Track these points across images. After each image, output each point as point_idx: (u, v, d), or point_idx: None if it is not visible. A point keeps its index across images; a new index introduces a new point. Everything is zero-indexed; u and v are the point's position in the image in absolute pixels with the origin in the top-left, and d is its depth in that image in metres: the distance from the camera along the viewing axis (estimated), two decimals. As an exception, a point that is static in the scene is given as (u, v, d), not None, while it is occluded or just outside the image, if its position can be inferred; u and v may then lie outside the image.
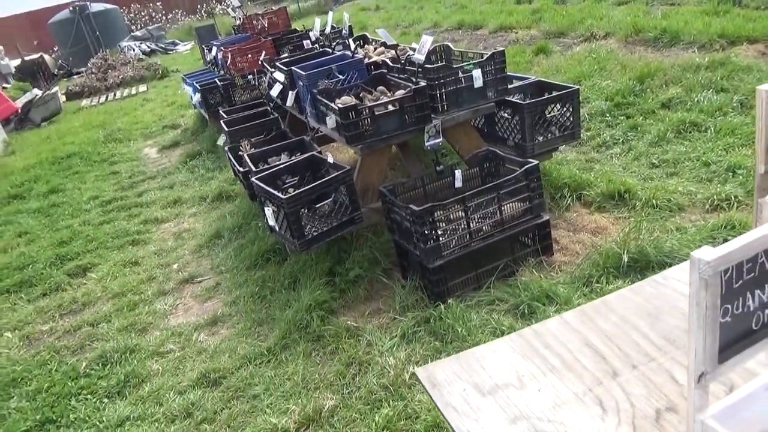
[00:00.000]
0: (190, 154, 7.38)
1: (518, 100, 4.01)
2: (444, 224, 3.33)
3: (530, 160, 3.40)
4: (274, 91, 4.84)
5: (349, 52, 4.78)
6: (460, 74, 3.68)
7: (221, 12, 18.78)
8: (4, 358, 3.84)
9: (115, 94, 13.18)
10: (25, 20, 21.43)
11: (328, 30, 5.84)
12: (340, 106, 3.63)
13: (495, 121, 4.18)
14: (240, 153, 4.48)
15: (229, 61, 6.58)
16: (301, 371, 3.04)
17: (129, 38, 19.04)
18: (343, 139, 3.71)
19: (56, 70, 17.01)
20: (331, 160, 3.78)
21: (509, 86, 4.00)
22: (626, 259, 3.12)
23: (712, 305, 0.98)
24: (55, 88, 12.89)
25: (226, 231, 4.91)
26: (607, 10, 8.19)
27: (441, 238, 3.19)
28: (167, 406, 3.06)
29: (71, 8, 18.53)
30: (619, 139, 4.78)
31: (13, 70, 16.04)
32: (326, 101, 3.83)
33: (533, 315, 2.98)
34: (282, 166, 3.97)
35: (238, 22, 8.82)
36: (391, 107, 3.62)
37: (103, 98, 13.01)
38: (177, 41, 19.51)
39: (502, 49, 3.83)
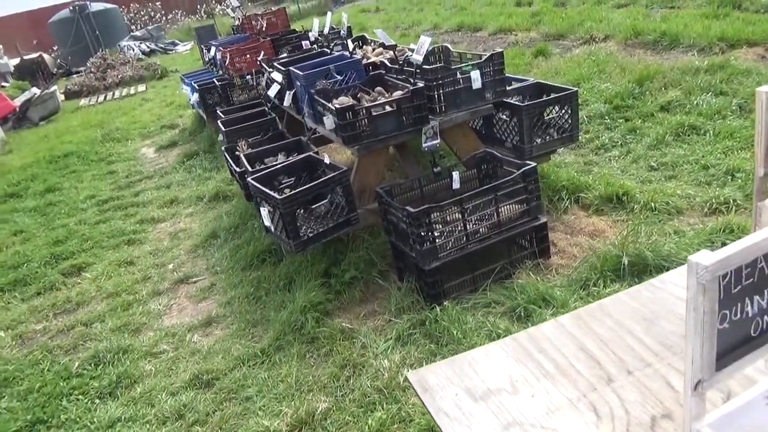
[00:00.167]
0: (188, 154, 7.35)
1: (517, 102, 3.99)
2: (441, 226, 3.31)
3: (528, 162, 3.38)
4: (272, 91, 4.82)
5: (347, 53, 4.76)
6: (459, 75, 3.65)
7: (221, 12, 18.76)
8: (-3, 357, 3.81)
9: (113, 94, 13.15)
10: (25, 19, 21.41)
11: (326, 31, 5.82)
12: (338, 106, 3.60)
13: (493, 123, 4.16)
14: (237, 153, 4.46)
15: (227, 61, 6.57)
16: (294, 373, 3.02)
17: (128, 38, 19.02)
18: (340, 139, 3.68)
19: (55, 70, 16.98)
20: (327, 160, 3.76)
21: (508, 88, 3.98)
22: (625, 262, 3.10)
23: (710, 311, 0.96)
24: (54, 87, 12.87)
25: (222, 231, 4.88)
26: (607, 13, 8.17)
27: (437, 240, 3.17)
28: (159, 408, 3.03)
29: (71, 7, 18.52)
30: (617, 142, 4.75)
31: (12, 69, 16.02)
32: (324, 101, 3.81)
33: (529, 318, 2.96)
34: (278, 166, 3.94)
35: (237, 22, 8.80)
36: (388, 108, 3.60)
37: (101, 98, 12.98)
38: (176, 41, 19.49)
39: (500, 50, 3.81)
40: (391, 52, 4.70)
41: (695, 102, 4.90)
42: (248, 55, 6.38)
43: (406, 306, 3.28)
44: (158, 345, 3.61)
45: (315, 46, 5.76)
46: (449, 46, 4.32)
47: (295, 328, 3.35)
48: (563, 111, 3.97)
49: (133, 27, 20.81)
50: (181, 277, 4.41)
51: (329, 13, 6.29)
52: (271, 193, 3.47)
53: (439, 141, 3.70)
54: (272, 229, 3.62)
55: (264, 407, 2.86)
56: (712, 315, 0.96)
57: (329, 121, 3.75)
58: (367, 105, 3.62)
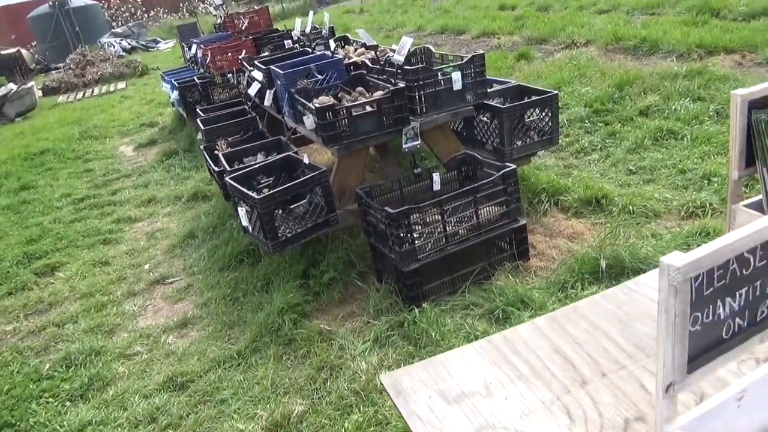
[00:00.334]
0: (167, 152, 7.25)
1: (498, 104, 3.99)
2: (420, 227, 3.29)
3: (508, 164, 3.37)
4: (252, 90, 4.76)
5: (328, 52, 4.73)
6: (440, 76, 3.64)
7: (203, 11, 18.62)
8: (-36, 359, 3.70)
9: (92, 91, 12.95)
10: (3, 14, 21.02)
11: (308, 30, 5.79)
12: (318, 105, 3.57)
13: (474, 125, 4.15)
14: (216, 152, 4.40)
15: (208, 59, 6.49)
16: (270, 375, 2.97)
17: (109, 35, 18.77)
18: (320, 139, 3.65)
19: (33, 65, 16.68)
20: (306, 160, 3.72)
21: (489, 90, 3.98)
22: (603, 265, 3.11)
23: (682, 313, 0.95)
24: (31, 83, 12.62)
25: (200, 231, 4.81)
26: (589, 18, 8.25)
27: (417, 242, 3.15)
28: (131, 411, 2.97)
29: (50, 3, 18.24)
30: (597, 146, 4.79)
31: (-11, 64, 15.69)
32: (304, 101, 3.77)
33: (507, 320, 2.95)
34: (257, 166, 3.90)
35: (219, 20, 8.72)
36: (369, 108, 3.57)
37: (80, 94, 12.78)
38: (158, 39, 19.28)
39: (481, 52, 3.81)
40: (373, 53, 4.68)
41: (673, 107, 4.95)
42: (230, 54, 6.32)
43: (385, 308, 3.26)
44: (132, 346, 3.53)
45: (297, 45, 5.72)
46: (431, 47, 4.31)
47: (272, 330, 3.30)
48: (544, 114, 3.98)
49: (114, 24, 20.54)
50: (157, 277, 4.33)
51: (311, 13, 6.26)
52: (249, 192, 3.43)
53: (419, 142, 3.69)
54: (250, 229, 3.57)
55: (239, 410, 2.81)
56: (684, 317, 0.96)
57: (309, 120, 3.72)
58: (347, 105, 3.59)
